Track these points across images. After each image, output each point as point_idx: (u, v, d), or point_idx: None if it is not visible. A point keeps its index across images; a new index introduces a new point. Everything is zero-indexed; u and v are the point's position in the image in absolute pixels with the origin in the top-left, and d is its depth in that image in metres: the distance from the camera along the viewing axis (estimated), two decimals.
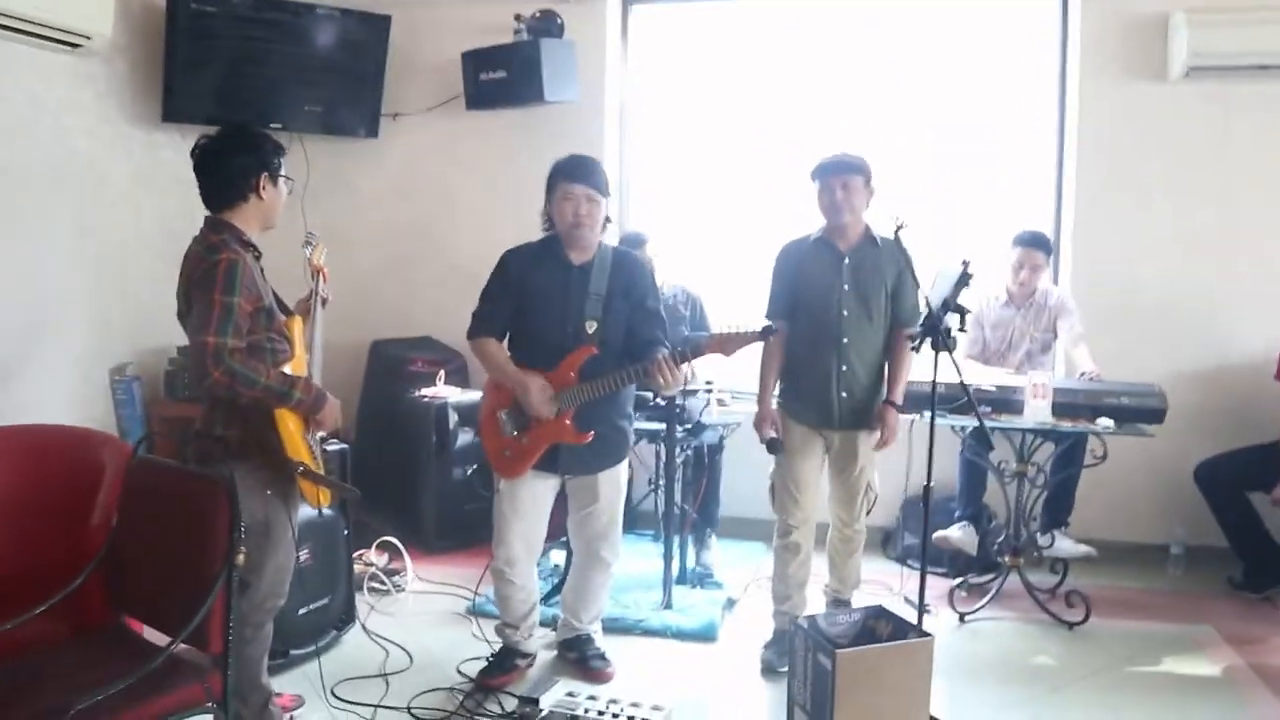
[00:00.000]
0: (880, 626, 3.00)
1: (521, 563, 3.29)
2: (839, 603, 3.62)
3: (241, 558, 2.27)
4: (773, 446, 3.42)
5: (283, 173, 2.81)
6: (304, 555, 3.52)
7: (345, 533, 3.77)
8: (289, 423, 2.64)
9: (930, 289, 3.13)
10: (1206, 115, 4.56)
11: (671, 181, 5.42)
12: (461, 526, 4.67)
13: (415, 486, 4.80)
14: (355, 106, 5.13)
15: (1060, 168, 4.88)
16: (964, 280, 3.14)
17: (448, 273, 5.17)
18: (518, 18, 4.83)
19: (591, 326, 3.17)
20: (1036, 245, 4.42)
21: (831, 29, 5.17)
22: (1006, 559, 4.13)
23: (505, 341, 3.29)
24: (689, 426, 4.08)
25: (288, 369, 2.73)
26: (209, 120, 4.86)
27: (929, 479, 3.20)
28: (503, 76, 4.73)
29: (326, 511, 3.11)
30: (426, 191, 5.39)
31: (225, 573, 2.24)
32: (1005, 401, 4.01)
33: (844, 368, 3.39)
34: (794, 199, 4.66)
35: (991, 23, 5.02)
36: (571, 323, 3.16)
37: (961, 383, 3.13)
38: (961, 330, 3.16)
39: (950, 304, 3.12)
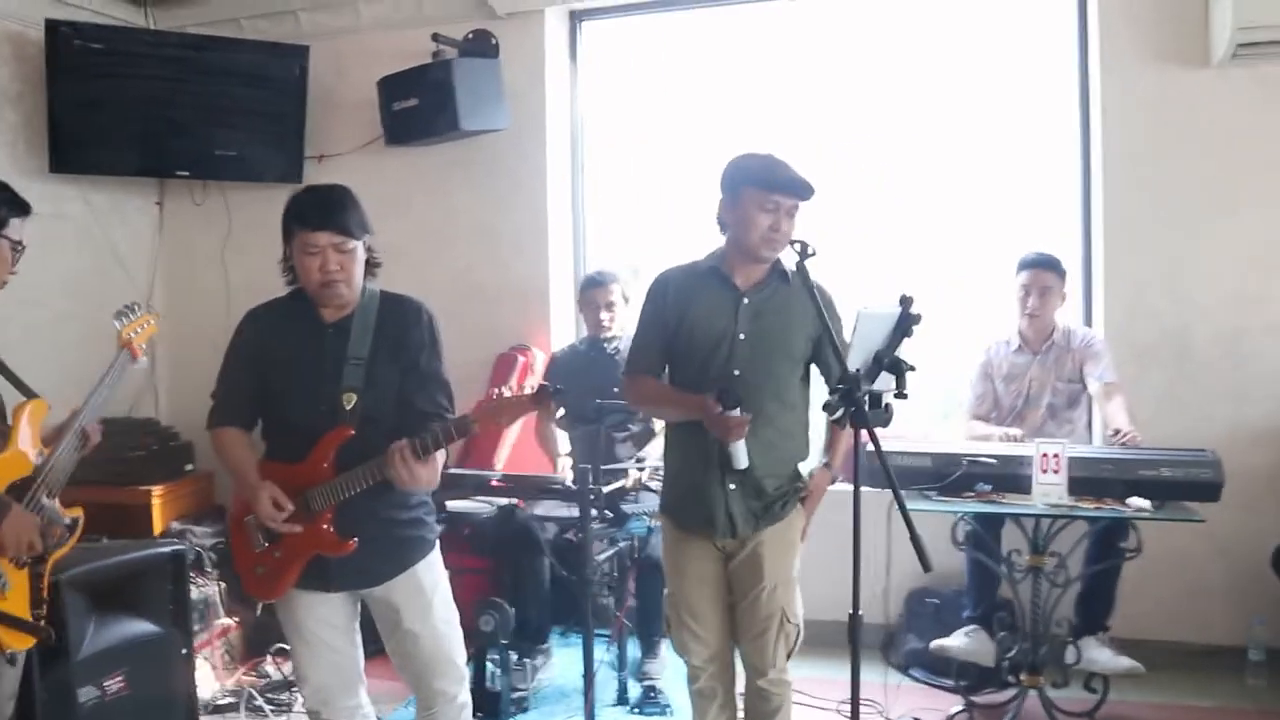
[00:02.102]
0: None
1: (338, 696, 2.56)
2: None
3: None
4: (724, 398, 2.42)
5: (8, 233, 2.26)
6: (117, 683, 2.92)
7: (184, 651, 3.13)
8: None
9: (851, 335, 2.32)
10: (1262, 102, 3.65)
11: (638, 208, 4.76)
12: None
13: None
14: (275, 149, 4.58)
15: (1085, 178, 4.01)
16: (905, 325, 2.33)
17: None
18: (436, 38, 4.22)
19: (350, 400, 2.43)
20: (1046, 266, 3.56)
21: (808, 30, 4.43)
22: (1023, 677, 3.24)
23: (258, 429, 2.60)
24: (607, 516, 3.33)
25: None
26: (103, 170, 4.43)
27: (856, 605, 2.37)
28: (414, 105, 4.12)
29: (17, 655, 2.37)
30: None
31: None
32: (1009, 477, 3.15)
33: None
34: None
35: (995, 6, 4.20)
36: (325, 399, 2.43)
37: (879, 451, 2.26)
38: (900, 396, 2.34)
39: (884, 359, 2.31)
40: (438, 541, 2.62)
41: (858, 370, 2.22)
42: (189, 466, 4.40)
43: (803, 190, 2.53)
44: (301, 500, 2.41)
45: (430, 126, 4.12)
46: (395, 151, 4.53)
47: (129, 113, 4.31)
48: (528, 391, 2.35)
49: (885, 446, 3.24)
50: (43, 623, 2.26)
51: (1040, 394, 3.63)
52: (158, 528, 4.17)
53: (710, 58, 4.57)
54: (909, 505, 3.01)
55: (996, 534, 3.39)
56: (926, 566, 2.04)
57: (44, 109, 4.24)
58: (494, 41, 4.41)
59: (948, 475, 3.17)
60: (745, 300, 2.60)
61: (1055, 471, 3.04)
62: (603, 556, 3.48)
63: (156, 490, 4.18)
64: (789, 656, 2.66)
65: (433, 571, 2.58)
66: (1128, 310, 3.86)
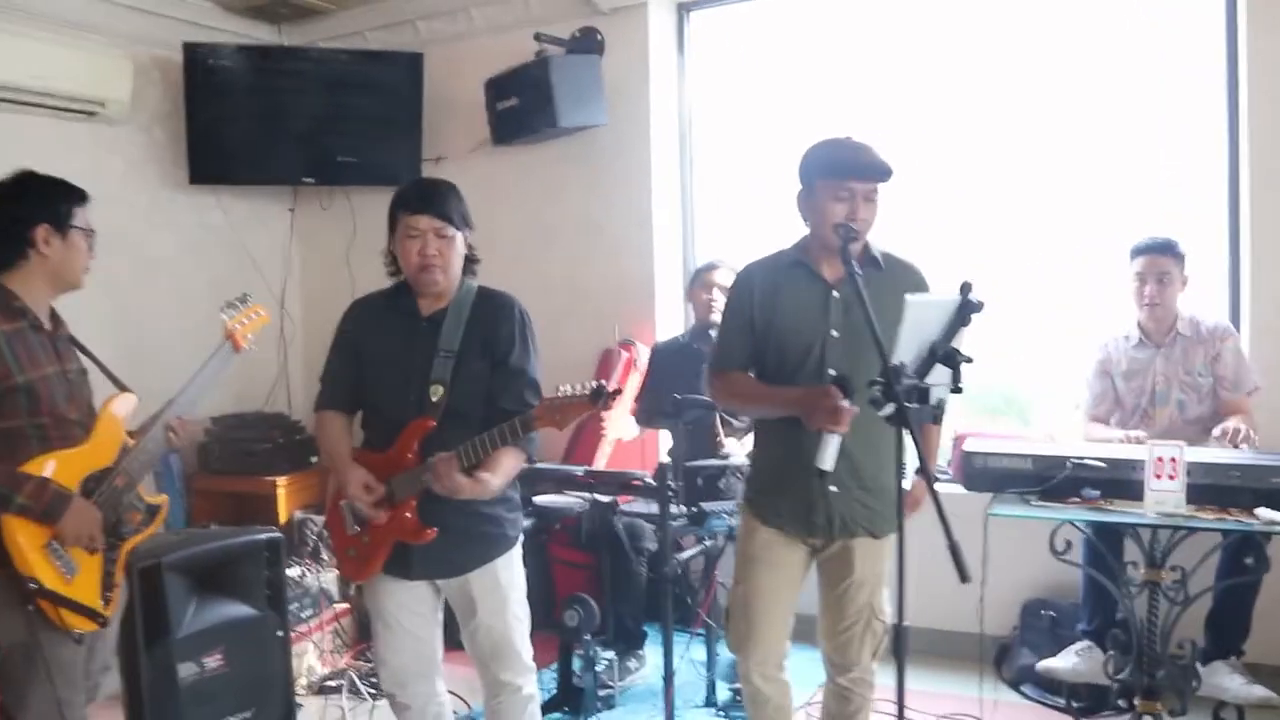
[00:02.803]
0: None
1: (414, 681, 2.63)
2: None
3: None
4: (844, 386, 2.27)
5: (76, 223, 2.41)
6: (215, 661, 3.09)
7: (279, 633, 3.28)
8: (18, 533, 2.18)
9: (902, 327, 2.16)
10: None
11: (749, 202, 4.63)
12: None
13: None
14: (393, 154, 4.75)
15: (1233, 150, 3.59)
16: (963, 314, 2.16)
17: None
18: (538, 37, 4.25)
19: (436, 393, 2.48)
20: (1162, 250, 3.24)
21: (925, 11, 4.20)
22: (1137, 702, 2.95)
23: (359, 416, 2.68)
24: (691, 512, 3.26)
25: (51, 464, 2.27)
26: (235, 180, 4.73)
27: (901, 615, 2.19)
28: (515, 104, 4.17)
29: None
30: (475, 238, 4.90)
31: None
32: (1120, 483, 2.88)
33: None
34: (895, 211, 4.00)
35: None
36: (414, 390, 2.49)
37: (919, 450, 2.08)
38: (955, 390, 2.16)
39: (938, 351, 2.14)
40: (520, 538, 2.65)
41: (901, 363, 2.06)
42: (313, 458, 4.62)
43: (877, 172, 2.39)
44: (388, 488, 2.49)
45: (530, 124, 4.16)
46: (506, 151, 4.60)
47: (258, 125, 4.57)
48: (599, 384, 2.31)
49: (987, 446, 3.11)
50: (105, 606, 2.39)
51: (1168, 391, 3.30)
52: (283, 516, 4.41)
53: (822, 44, 4.41)
54: (1007, 509, 2.88)
55: (1116, 545, 3.10)
56: (964, 577, 1.87)
57: (173, 123, 4.57)
58: (599, 38, 4.43)
59: (1050, 479, 2.93)
60: (835, 294, 2.47)
61: (1171, 477, 2.75)
62: (685, 555, 3.40)
63: (281, 480, 4.43)
64: (875, 656, 2.53)
65: (511, 569, 2.60)
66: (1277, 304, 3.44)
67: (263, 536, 3.26)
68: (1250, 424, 3.11)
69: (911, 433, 2.03)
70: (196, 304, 4.73)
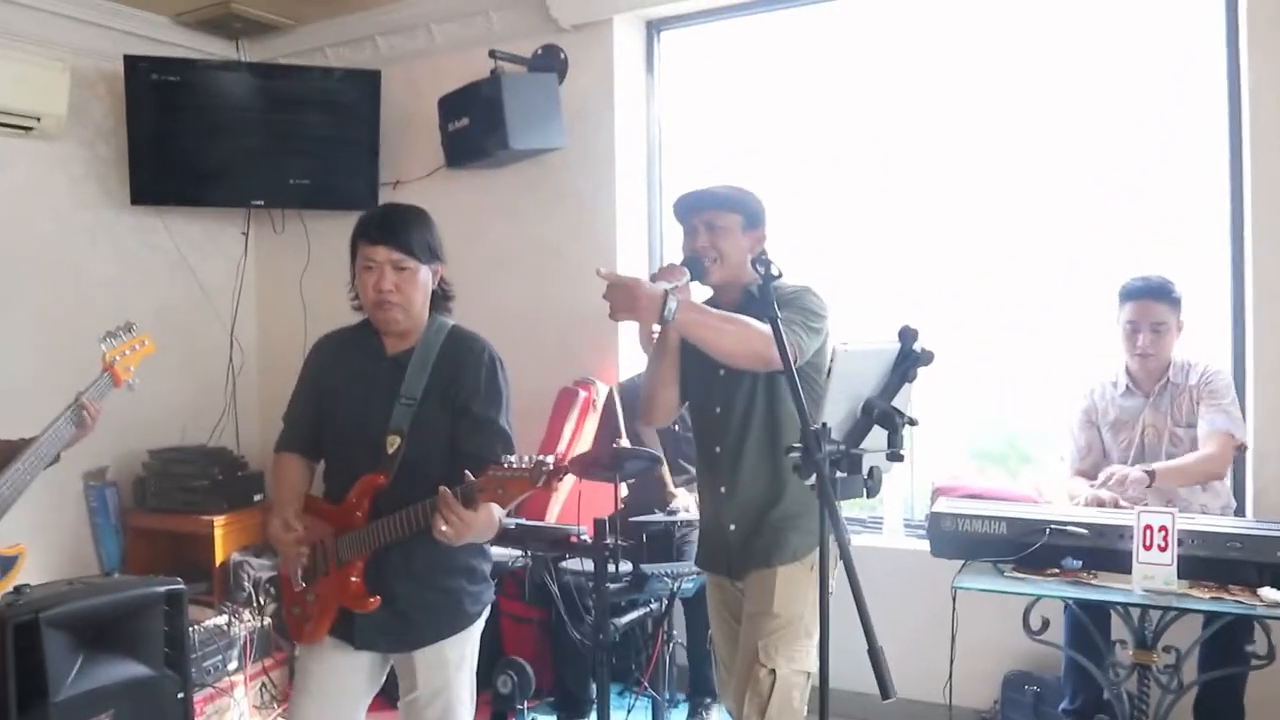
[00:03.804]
0: None
1: None
2: None
3: None
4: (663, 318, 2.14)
5: None
6: None
7: (179, 695, 3.00)
8: None
9: (827, 379, 1.86)
10: None
11: None
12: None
13: None
14: (350, 176, 4.50)
15: (1236, 178, 3.29)
16: (905, 366, 1.87)
17: None
18: (494, 54, 4.00)
19: (393, 444, 2.24)
20: (1157, 295, 2.92)
21: (903, 28, 3.94)
22: None
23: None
24: (624, 576, 2.96)
25: None
26: (179, 201, 4.49)
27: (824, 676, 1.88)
28: (465, 125, 3.91)
29: None
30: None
31: None
32: (1105, 553, 2.57)
33: (722, 488, 2.37)
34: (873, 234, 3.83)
35: None
36: (370, 438, 2.26)
37: (834, 521, 1.76)
38: (893, 458, 1.86)
39: (874, 410, 1.84)
40: (483, 615, 2.37)
41: (823, 425, 1.76)
42: (258, 496, 4.36)
43: (698, 200, 2.37)
44: (335, 546, 2.26)
45: (482, 147, 3.90)
46: (466, 175, 4.35)
47: (204, 144, 4.34)
48: (538, 460, 1.96)
49: (957, 507, 2.80)
50: None
51: (1157, 444, 2.98)
52: (219, 556, 4.14)
53: (798, 63, 4.15)
54: (978, 583, 2.57)
55: (1102, 621, 2.78)
56: (885, 692, 1.56)
57: (115, 139, 4.35)
58: (563, 57, 4.18)
59: (1026, 546, 2.61)
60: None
61: (1162, 548, 2.43)
62: (624, 621, 3.09)
63: (219, 520, 4.17)
64: (761, 714, 2.21)
65: (463, 647, 2.33)
66: None
67: (161, 589, 2.98)
68: (1210, 469, 2.82)
69: (830, 509, 1.72)
70: (143, 329, 4.52)
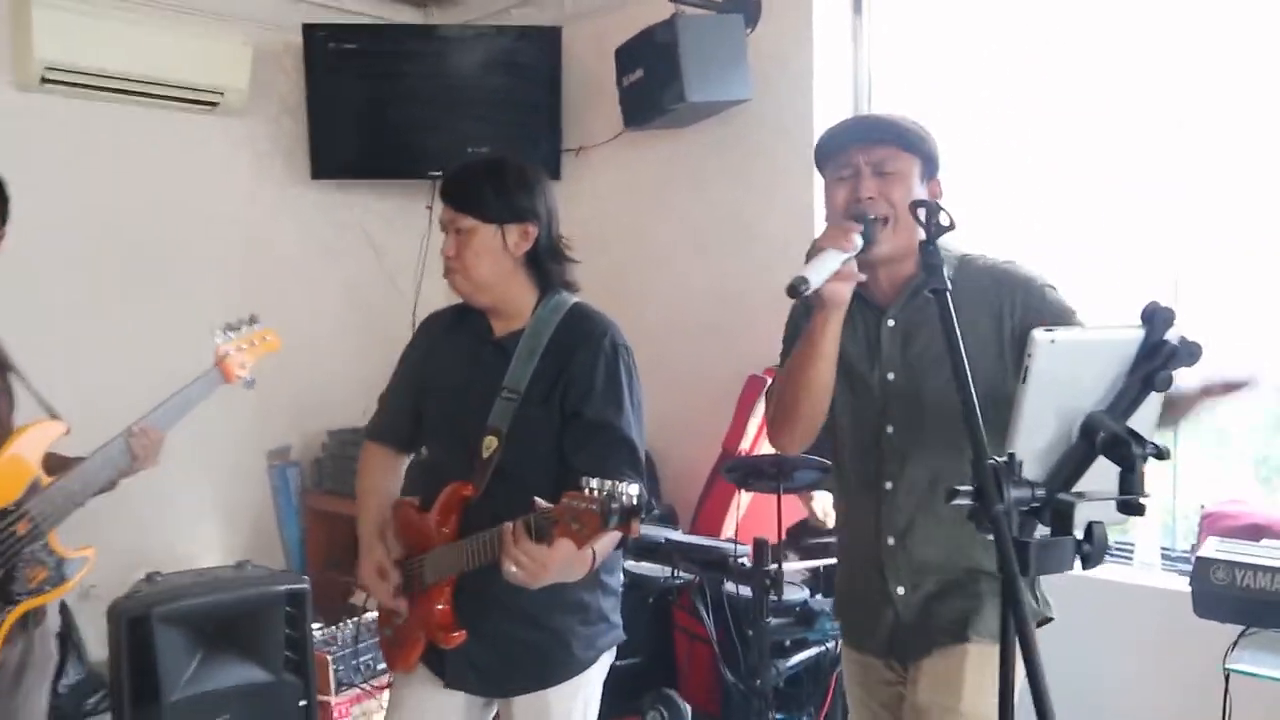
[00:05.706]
0: None
1: None
2: None
3: None
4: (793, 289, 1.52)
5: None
6: None
7: (303, 703, 2.78)
8: None
9: (1021, 384, 1.24)
10: None
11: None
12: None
13: None
14: (529, 142, 4.19)
15: None
16: (1154, 367, 1.23)
17: (640, 339, 3.98)
18: None
19: (490, 446, 1.86)
20: None
21: None
22: None
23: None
24: (794, 607, 2.43)
25: None
26: (358, 174, 4.36)
27: None
28: (640, 77, 3.46)
29: None
30: (617, 238, 4.20)
31: None
32: None
33: (889, 539, 1.69)
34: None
35: None
36: (467, 437, 1.89)
37: (1016, 611, 1.14)
38: (1129, 510, 1.22)
39: (1097, 433, 1.21)
40: (601, 663, 1.95)
41: (1009, 456, 1.15)
42: None
43: (866, 131, 1.72)
44: (419, 565, 1.93)
45: (657, 102, 3.43)
46: (647, 138, 3.92)
47: (380, 113, 4.16)
48: (607, 493, 1.47)
49: (1240, 553, 2.08)
50: None
51: None
52: None
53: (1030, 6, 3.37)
54: (1263, 665, 1.84)
55: None
56: None
57: (296, 113, 4.25)
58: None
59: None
60: (890, 322, 1.68)
61: None
62: (790, 664, 2.56)
63: None
64: None
65: (572, 700, 1.92)
66: None
67: (283, 587, 2.77)
68: None
69: (1011, 582, 1.12)
70: (328, 308, 4.46)
